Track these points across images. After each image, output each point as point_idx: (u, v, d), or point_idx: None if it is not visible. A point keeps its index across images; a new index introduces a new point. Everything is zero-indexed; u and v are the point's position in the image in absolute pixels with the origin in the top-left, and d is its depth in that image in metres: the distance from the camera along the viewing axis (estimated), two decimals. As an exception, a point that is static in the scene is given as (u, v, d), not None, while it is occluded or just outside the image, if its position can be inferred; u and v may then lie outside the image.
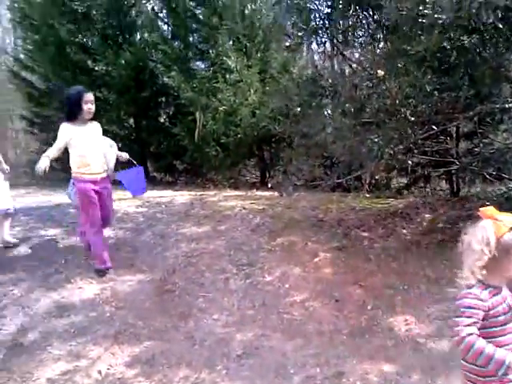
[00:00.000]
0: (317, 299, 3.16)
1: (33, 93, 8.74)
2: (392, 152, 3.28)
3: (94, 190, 3.47)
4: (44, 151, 9.50)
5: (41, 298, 3.32)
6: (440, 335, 2.70)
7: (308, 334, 2.88)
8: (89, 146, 3.48)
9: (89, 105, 3.46)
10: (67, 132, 3.40)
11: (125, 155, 3.86)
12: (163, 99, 8.20)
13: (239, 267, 3.66)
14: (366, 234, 4.09)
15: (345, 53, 3.55)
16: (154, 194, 6.33)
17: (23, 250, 4.08)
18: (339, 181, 3.79)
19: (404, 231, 4.07)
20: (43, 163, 3.19)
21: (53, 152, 3.33)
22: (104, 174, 3.57)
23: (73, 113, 3.46)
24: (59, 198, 5.90)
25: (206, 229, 4.48)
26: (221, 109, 6.66)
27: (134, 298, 3.36)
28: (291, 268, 3.57)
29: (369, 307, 3.02)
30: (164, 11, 8.13)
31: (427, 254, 3.57)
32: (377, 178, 5.74)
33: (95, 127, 3.66)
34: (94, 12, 7.72)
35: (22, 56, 10.50)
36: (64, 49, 7.72)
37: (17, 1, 8.69)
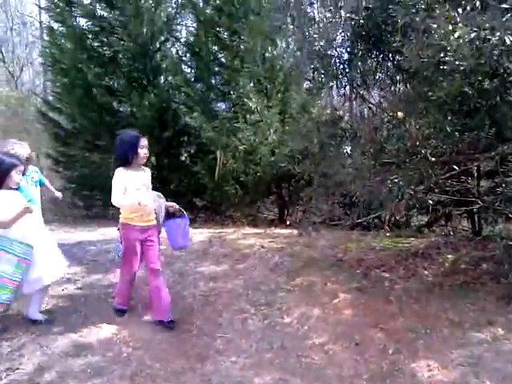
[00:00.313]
0: (337, 342, 3.08)
1: (59, 133, 9.07)
2: (412, 192, 3.25)
3: (140, 240, 3.43)
4: (67, 189, 9.69)
5: (59, 337, 3.31)
6: (464, 382, 2.58)
7: (328, 379, 2.79)
8: (142, 193, 3.39)
9: (144, 149, 3.42)
10: (123, 177, 3.35)
11: (175, 206, 3.80)
12: (185, 138, 8.39)
13: (257, 307, 3.61)
14: (386, 275, 4.01)
15: (364, 95, 3.60)
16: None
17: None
18: (359, 220, 3.75)
19: (426, 272, 3.97)
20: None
21: (122, 198, 3.32)
22: (153, 223, 3.52)
23: (128, 157, 3.38)
24: (81, 235, 6.02)
25: (224, 267, 4.46)
26: (241, 148, 6.77)
27: (152, 338, 3.33)
28: (310, 309, 3.51)
29: (390, 351, 2.93)
30: (188, 55, 8.46)
31: (450, 296, 3.47)
32: (397, 216, 5.68)
33: (147, 173, 3.61)
34: (121, 56, 8.08)
35: (50, 98, 10.99)
36: (91, 91, 8.05)
37: (48, 46, 9.18)
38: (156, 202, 3.60)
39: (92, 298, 3.89)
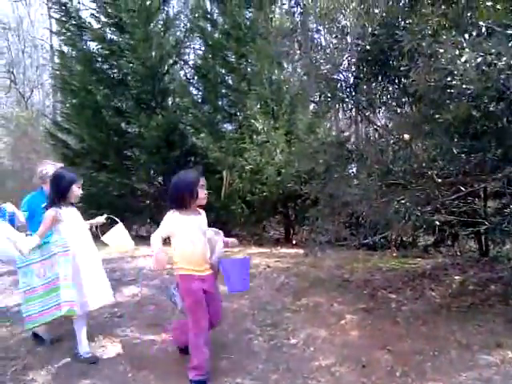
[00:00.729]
0: (343, 364, 3.04)
1: (67, 153, 9.18)
2: (419, 213, 3.26)
3: (202, 290, 2.95)
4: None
5: (63, 357, 3.30)
6: (473, 405, 2.55)
7: (334, 402, 2.75)
8: (198, 240, 3.00)
9: (204, 190, 3.05)
10: (174, 222, 2.95)
11: (234, 241, 3.41)
12: (192, 158, 8.47)
13: (263, 328, 3.59)
14: (393, 296, 3.99)
15: (370, 117, 3.65)
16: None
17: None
18: (366, 241, 3.75)
19: (433, 293, 3.95)
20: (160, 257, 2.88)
21: (156, 242, 2.92)
22: (210, 270, 3.10)
23: (185, 200, 2.96)
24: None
25: (229, 287, 4.45)
26: (247, 168, 6.84)
27: (157, 358, 3.31)
28: (316, 330, 3.48)
29: (397, 373, 2.89)
30: (195, 78, 8.61)
31: (458, 317, 3.44)
32: (404, 237, 5.67)
33: (203, 216, 3.15)
34: (130, 78, 8.24)
35: (59, 118, 11.17)
36: (100, 112, 8.19)
37: (59, 69, 9.40)
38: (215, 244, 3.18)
39: (97, 318, 3.88)
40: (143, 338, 3.56)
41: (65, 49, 9.54)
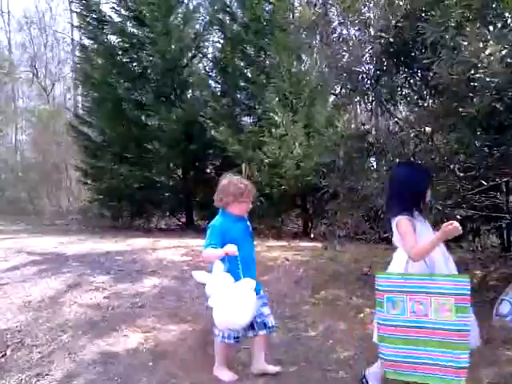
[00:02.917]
0: (362, 356, 3.05)
1: (89, 145, 9.34)
2: (440, 207, 3.23)
3: None
4: (96, 200, 9.96)
5: (87, 345, 3.36)
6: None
7: (353, 395, 2.76)
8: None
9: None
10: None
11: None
12: (211, 151, 8.52)
13: (282, 320, 3.61)
14: (413, 290, 3.96)
15: (391, 110, 3.61)
16: (199, 243, 6.44)
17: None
18: (386, 235, 3.73)
19: (454, 288, 3.90)
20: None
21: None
22: None
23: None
24: (108, 245, 6.15)
25: (248, 280, 4.48)
26: (266, 161, 6.84)
27: (177, 348, 3.35)
28: (335, 323, 3.49)
29: (417, 367, 2.88)
30: (214, 71, 8.63)
31: (478, 312, 3.40)
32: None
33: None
34: (150, 71, 8.32)
35: (81, 111, 11.35)
36: (120, 105, 8.29)
37: (80, 62, 9.53)
38: None
39: (119, 307, 3.96)
40: (163, 327, 3.61)
41: (86, 42, 9.68)
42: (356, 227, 3.88)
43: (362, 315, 3.56)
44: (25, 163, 16.65)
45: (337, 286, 4.12)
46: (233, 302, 2.51)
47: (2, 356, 3.22)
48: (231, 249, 2.58)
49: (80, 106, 14.70)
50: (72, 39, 19.55)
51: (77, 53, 12.99)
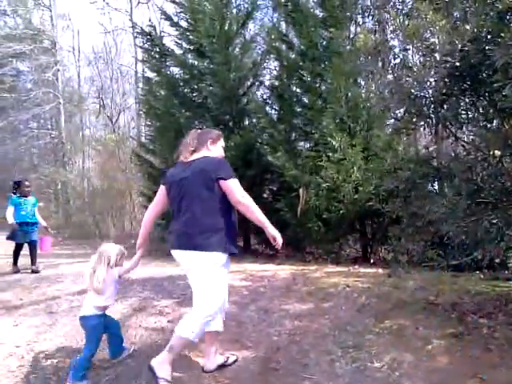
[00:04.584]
0: (432, 392, 2.91)
1: (152, 172, 9.74)
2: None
3: None
4: (158, 224, 10.22)
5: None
6: None
7: (424, 432, 2.63)
8: None
9: None
10: None
11: None
12: (268, 176, 8.60)
13: (345, 349, 3.52)
14: (484, 321, 3.73)
15: (457, 134, 3.51)
16: (257, 268, 6.49)
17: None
18: (455, 262, 3.58)
19: (530, 320, 3.65)
20: None
21: None
22: None
23: None
24: (170, 269, 6.33)
25: (309, 306, 4.44)
26: (324, 185, 6.81)
27: (238, 374, 3.36)
28: (401, 354, 3.35)
29: (493, 405, 2.70)
30: (272, 98, 8.80)
31: None
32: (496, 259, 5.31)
33: None
34: (209, 101, 8.62)
35: (144, 140, 11.93)
36: (182, 134, 8.53)
37: (145, 94, 10.07)
38: None
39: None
40: (225, 353, 3.63)
41: (150, 75, 10.23)
42: (421, 254, 3.74)
43: (429, 347, 3.40)
44: (91, 189, 17.63)
45: (401, 314, 3.97)
46: None
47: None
48: None
49: (143, 134, 15.48)
50: (136, 72, 20.73)
51: (141, 84, 13.78)
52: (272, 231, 3.17)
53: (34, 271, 7.01)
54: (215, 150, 3.37)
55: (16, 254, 7.21)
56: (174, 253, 3.19)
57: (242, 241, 9.56)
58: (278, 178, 8.19)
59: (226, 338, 3.88)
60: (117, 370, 3.48)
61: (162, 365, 3.00)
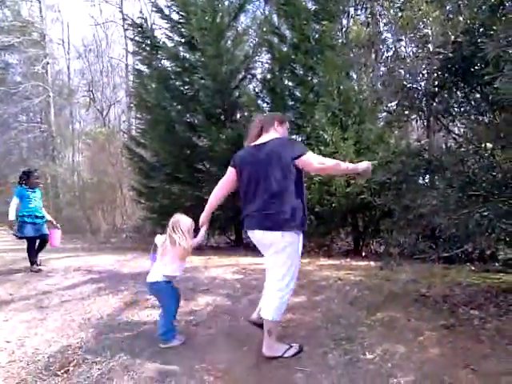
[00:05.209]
0: (424, 382, 2.93)
1: (143, 166, 9.68)
2: (504, 226, 3.08)
3: None
4: (149, 219, 10.24)
5: (145, 363, 3.43)
6: None
7: (416, 422, 2.65)
8: None
9: None
10: None
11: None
12: (260, 170, 8.56)
13: (337, 342, 3.54)
14: (475, 312, 3.78)
15: (449, 126, 3.51)
16: (249, 261, 6.48)
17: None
18: (446, 255, 3.60)
19: (521, 311, 3.70)
20: None
21: None
22: None
23: None
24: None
25: (301, 299, 4.45)
26: (316, 179, 6.81)
27: (232, 367, 3.36)
28: (393, 346, 3.37)
29: (484, 395, 2.73)
30: (264, 91, 8.76)
31: None
32: (486, 251, 5.37)
33: None
34: (201, 94, 8.56)
35: (135, 134, 11.84)
36: (173, 127, 8.57)
37: (135, 87, 9.98)
38: None
39: (180, 323, 4.02)
40: (220, 347, 3.63)
41: (141, 67, 10.14)
42: (412, 246, 3.76)
43: (421, 338, 3.43)
44: (81, 183, 17.49)
45: (393, 307, 4.00)
46: None
47: (65, 372, 3.36)
48: None
49: (134, 128, 15.37)
50: (126, 65, 20.56)
51: (131, 77, 13.65)
52: (362, 167, 3.39)
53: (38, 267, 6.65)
54: (282, 131, 3.46)
55: (30, 251, 6.61)
56: (253, 233, 3.29)
57: (234, 234, 9.56)
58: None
59: (218, 331, 3.88)
60: (109, 364, 3.46)
61: (273, 348, 3.30)
